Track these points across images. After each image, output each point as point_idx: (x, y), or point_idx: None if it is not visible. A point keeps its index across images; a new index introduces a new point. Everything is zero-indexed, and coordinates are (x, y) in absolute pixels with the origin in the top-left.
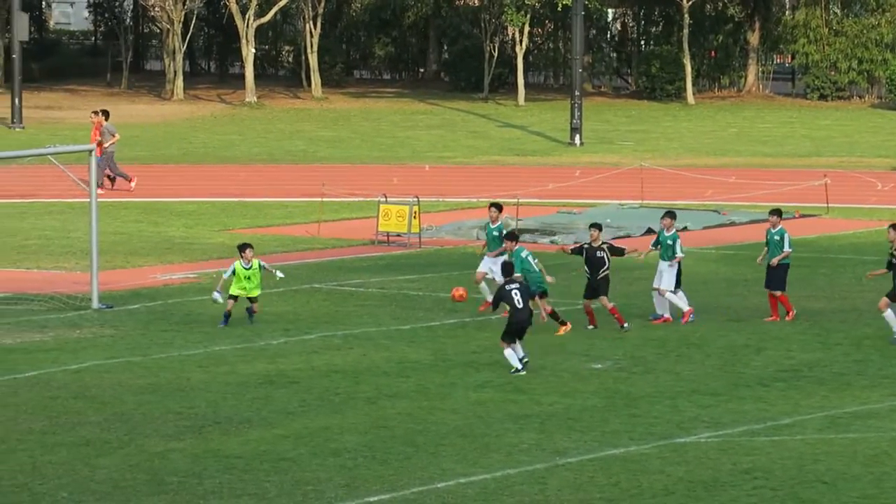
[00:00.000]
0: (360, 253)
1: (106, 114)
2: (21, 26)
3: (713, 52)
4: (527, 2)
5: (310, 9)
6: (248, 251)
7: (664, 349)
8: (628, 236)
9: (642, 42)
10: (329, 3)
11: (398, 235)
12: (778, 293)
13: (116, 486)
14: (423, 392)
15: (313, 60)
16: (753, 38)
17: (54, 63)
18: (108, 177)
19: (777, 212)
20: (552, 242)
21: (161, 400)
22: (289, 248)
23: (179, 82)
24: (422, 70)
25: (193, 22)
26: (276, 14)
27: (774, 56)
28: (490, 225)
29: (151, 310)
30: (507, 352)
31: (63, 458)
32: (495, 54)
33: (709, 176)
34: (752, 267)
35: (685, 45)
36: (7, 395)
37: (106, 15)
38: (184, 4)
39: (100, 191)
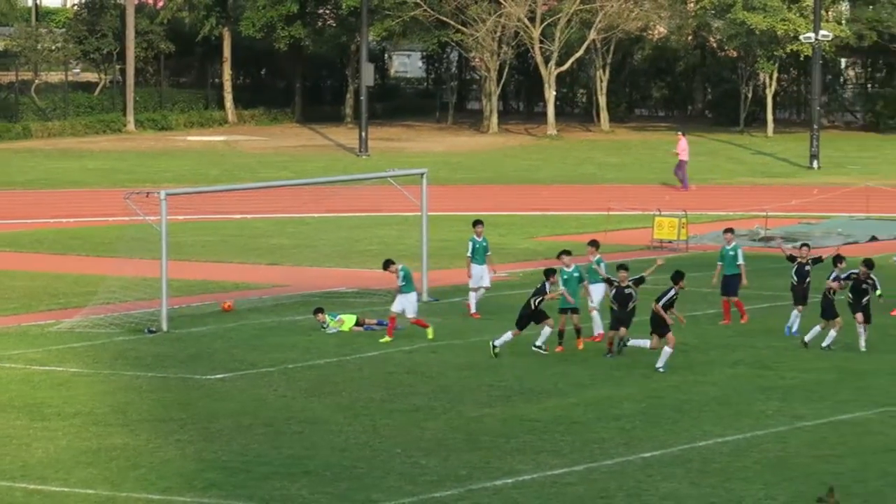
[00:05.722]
0: (638, 256)
1: None
2: (367, 74)
3: None
4: (775, 53)
5: (600, 59)
6: (320, 315)
7: (887, 334)
8: (856, 242)
9: (869, 84)
10: (616, 55)
11: (669, 242)
12: None
13: (440, 443)
14: (688, 368)
15: (602, 100)
16: None
17: (394, 104)
18: None
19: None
20: (778, 245)
21: (477, 375)
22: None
23: (494, 119)
24: (690, 108)
25: (506, 70)
26: (572, 64)
27: None
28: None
29: None
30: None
31: (397, 421)
32: (749, 95)
33: None
34: None
35: None
36: (353, 370)
37: (436, 65)
38: (498, 56)
39: None
